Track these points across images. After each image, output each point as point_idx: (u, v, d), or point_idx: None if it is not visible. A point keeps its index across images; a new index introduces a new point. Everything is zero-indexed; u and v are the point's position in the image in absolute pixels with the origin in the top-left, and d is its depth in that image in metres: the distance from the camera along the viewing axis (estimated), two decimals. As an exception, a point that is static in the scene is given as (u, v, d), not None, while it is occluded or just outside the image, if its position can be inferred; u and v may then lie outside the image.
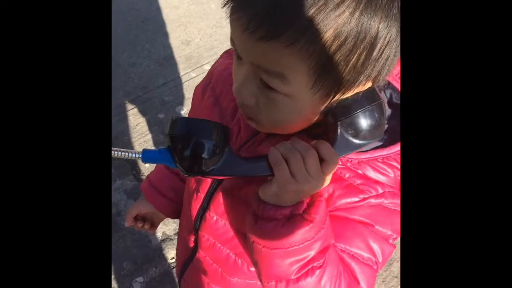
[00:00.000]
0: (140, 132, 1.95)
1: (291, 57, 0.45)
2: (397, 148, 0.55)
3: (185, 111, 2.03)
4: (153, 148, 0.53)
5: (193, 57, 2.27)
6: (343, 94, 0.50)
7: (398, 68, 0.53)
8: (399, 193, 0.56)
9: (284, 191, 0.50)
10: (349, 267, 0.57)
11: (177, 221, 1.65)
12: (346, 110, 0.51)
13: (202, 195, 0.67)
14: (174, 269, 1.56)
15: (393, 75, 0.58)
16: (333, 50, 0.44)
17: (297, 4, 0.42)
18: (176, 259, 0.87)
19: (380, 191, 0.55)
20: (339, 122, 0.52)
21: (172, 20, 2.46)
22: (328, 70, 0.46)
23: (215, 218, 0.65)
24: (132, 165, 1.83)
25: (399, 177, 0.56)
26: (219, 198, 0.64)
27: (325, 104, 0.51)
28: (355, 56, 0.45)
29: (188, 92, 2.11)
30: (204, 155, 0.51)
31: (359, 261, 0.57)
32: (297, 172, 0.49)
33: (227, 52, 0.73)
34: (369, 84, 0.50)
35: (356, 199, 0.55)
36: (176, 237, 1.62)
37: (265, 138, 0.59)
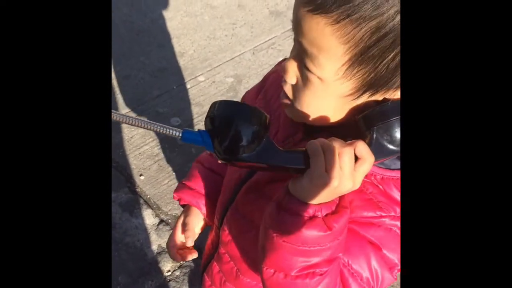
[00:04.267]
0: (135, 145, 1.94)
1: (331, 37, 0.48)
2: None
3: (180, 122, 2.02)
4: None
5: (188, 69, 2.27)
6: (372, 95, 0.52)
7: None
8: None
9: (315, 185, 0.50)
10: (345, 283, 0.57)
11: (173, 233, 1.65)
12: (383, 116, 0.51)
13: (231, 189, 0.69)
14: (170, 282, 1.54)
15: None
16: (372, 41, 0.47)
17: None
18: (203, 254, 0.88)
19: (398, 214, 0.55)
20: (375, 127, 0.52)
21: (166, 32, 2.46)
22: (362, 59, 0.48)
23: (237, 212, 0.67)
24: (127, 177, 1.81)
25: None
26: (245, 191, 0.66)
27: (354, 102, 0.53)
28: (391, 55, 0.48)
29: (183, 104, 2.10)
30: (244, 139, 0.51)
31: (357, 280, 0.57)
32: (331, 167, 0.49)
33: (284, 59, 0.75)
34: (398, 93, 0.51)
35: (373, 214, 0.56)
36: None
37: (301, 140, 0.61)
